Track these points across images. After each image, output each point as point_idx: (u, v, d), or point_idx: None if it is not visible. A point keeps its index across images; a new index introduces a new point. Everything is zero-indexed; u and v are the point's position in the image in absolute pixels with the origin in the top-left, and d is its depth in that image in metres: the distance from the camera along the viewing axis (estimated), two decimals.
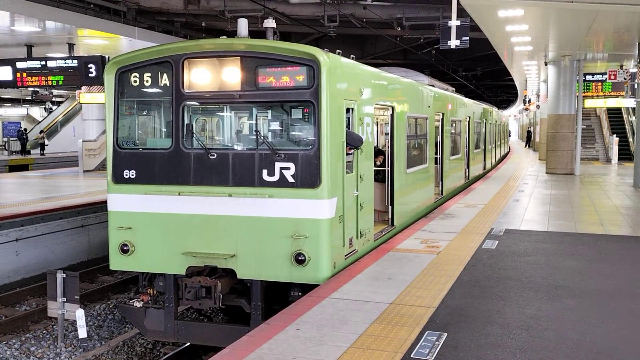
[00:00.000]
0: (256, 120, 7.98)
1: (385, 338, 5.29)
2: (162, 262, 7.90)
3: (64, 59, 17.82)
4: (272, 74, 7.41)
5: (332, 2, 19.69)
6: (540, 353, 4.96)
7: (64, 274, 8.98)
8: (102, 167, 25.03)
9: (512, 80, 38.49)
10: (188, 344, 8.88)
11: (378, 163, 10.51)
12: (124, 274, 12.99)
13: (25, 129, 41.70)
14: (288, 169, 7.35)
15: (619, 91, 27.02)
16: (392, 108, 10.00)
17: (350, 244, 8.04)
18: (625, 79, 24.65)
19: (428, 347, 5.07)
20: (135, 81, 8.00)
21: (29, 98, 47.58)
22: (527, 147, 48.42)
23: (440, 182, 14.60)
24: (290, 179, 7.34)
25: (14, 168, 31.60)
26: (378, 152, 10.77)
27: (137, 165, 7.95)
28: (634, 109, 31.82)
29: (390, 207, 10.25)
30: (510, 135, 50.56)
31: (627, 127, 33.57)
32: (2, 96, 52.94)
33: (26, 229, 12.82)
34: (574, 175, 22.62)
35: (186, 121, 7.82)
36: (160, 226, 7.84)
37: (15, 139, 40.58)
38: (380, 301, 6.35)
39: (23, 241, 12.71)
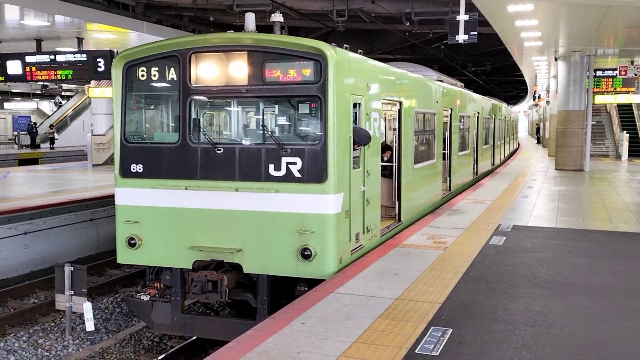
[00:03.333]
0: (263, 114, 7.98)
1: (390, 333, 5.28)
2: (169, 256, 7.92)
3: (73, 53, 17.88)
4: (279, 68, 7.40)
5: None
6: (546, 349, 4.94)
7: (72, 267, 9.02)
8: (110, 161, 25.13)
9: (521, 75, 38.25)
10: (194, 337, 8.92)
11: (385, 158, 10.49)
12: (132, 267, 13.04)
13: (35, 123, 41.93)
14: (294, 163, 7.35)
15: (630, 87, 26.80)
16: (400, 103, 9.97)
17: (356, 239, 8.03)
18: (635, 74, 24.45)
19: (433, 342, 5.06)
20: (142, 75, 8.01)
21: (39, 92, 47.81)
22: (538, 143, 48.10)
23: (448, 178, 14.56)
24: (297, 174, 7.34)
25: (23, 162, 31.80)
26: (385, 148, 10.75)
27: (145, 159, 7.97)
28: None
29: (397, 203, 10.23)
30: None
31: (637, 123, 33.31)
32: (12, 90, 53.25)
33: (35, 222, 12.90)
34: (584, 171, 22.47)
35: (193, 115, 7.82)
36: (167, 220, 7.87)
37: (25, 132, 40.81)
38: (386, 296, 6.34)
39: (32, 234, 12.79)
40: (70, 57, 17.62)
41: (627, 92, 27.37)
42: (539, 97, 40.79)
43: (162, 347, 9.37)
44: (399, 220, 10.20)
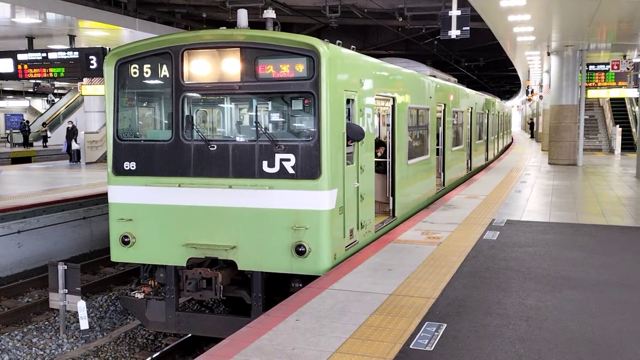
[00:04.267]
0: (256, 111, 7.96)
1: (385, 329, 5.29)
2: (162, 254, 7.90)
3: (65, 50, 17.82)
4: (271, 64, 7.38)
5: None
6: (540, 344, 4.96)
7: (65, 266, 8.99)
8: (104, 159, 25.04)
9: (514, 70, 38.31)
10: (189, 335, 8.91)
11: (379, 154, 10.49)
12: (126, 265, 13.01)
13: (28, 121, 41.71)
14: (288, 160, 7.34)
15: (622, 81, 26.89)
16: (393, 99, 9.97)
17: (350, 235, 8.03)
18: (628, 69, 24.52)
19: (427, 337, 5.07)
20: (135, 72, 7.97)
21: (31, 90, 47.56)
22: (531, 138, 48.23)
23: (442, 173, 14.58)
24: (291, 171, 7.33)
25: (16, 160, 31.64)
26: (379, 144, 10.75)
27: (137, 157, 7.94)
28: (637, 99, 31.71)
29: (391, 199, 10.24)
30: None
31: (630, 117, 33.45)
32: (4, 88, 52.96)
33: (28, 221, 12.84)
34: (577, 166, 22.56)
35: (186, 112, 7.80)
36: (161, 218, 7.85)
37: (18, 131, 40.61)
38: (380, 292, 6.35)
39: (25, 233, 12.74)
40: (62, 55, 17.55)
41: (620, 86, 27.45)
42: (532, 91, 40.88)
43: (157, 345, 9.36)
44: (393, 215, 10.21)
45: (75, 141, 26.01)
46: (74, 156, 25.98)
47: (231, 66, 7.53)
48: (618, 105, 34.31)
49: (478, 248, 8.41)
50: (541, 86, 35.63)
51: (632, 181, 17.50)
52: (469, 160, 18.66)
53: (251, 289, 7.71)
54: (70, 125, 27.06)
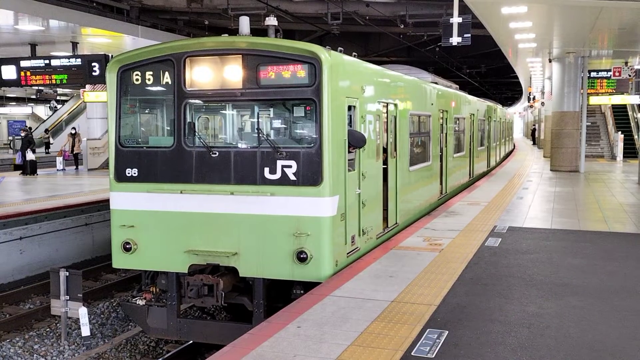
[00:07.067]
0: (258, 118, 7.98)
1: (386, 336, 5.28)
2: (164, 260, 7.91)
3: (68, 57, 17.85)
4: (273, 71, 7.40)
5: None
6: (542, 351, 4.95)
7: (67, 272, 8.99)
8: (106, 165, 25.04)
9: (516, 77, 38.38)
10: (190, 341, 8.89)
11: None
12: (128, 272, 13.01)
13: (30, 128, 41.76)
14: (290, 166, 7.35)
15: (624, 88, 26.87)
16: (395, 105, 9.98)
17: (352, 242, 8.03)
18: (630, 75, 24.52)
19: (429, 344, 5.06)
20: (137, 79, 8.00)
21: (34, 97, 47.69)
22: (533, 144, 48.22)
23: (444, 180, 14.57)
24: (292, 177, 7.34)
25: (19, 167, 31.62)
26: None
27: (139, 163, 7.96)
28: (639, 105, 31.70)
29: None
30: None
31: (632, 124, 33.42)
32: (7, 95, 53.13)
33: (30, 228, 12.85)
34: (579, 172, 22.54)
35: (188, 119, 7.82)
36: (163, 224, 7.85)
37: (20, 137, 40.68)
38: (382, 299, 6.34)
39: (27, 239, 12.74)
40: (65, 62, 17.58)
41: (622, 93, 27.44)
42: (533, 98, 40.94)
43: (158, 351, 9.35)
44: (395, 222, 10.20)
45: (33, 151, 22.73)
46: (27, 168, 22.37)
47: (233, 73, 7.56)
48: (620, 111, 34.30)
49: (480, 255, 8.40)
50: (543, 93, 35.67)
51: (634, 188, 17.47)
52: (471, 167, 18.66)
53: (252, 296, 7.71)
54: (23, 134, 23.90)
